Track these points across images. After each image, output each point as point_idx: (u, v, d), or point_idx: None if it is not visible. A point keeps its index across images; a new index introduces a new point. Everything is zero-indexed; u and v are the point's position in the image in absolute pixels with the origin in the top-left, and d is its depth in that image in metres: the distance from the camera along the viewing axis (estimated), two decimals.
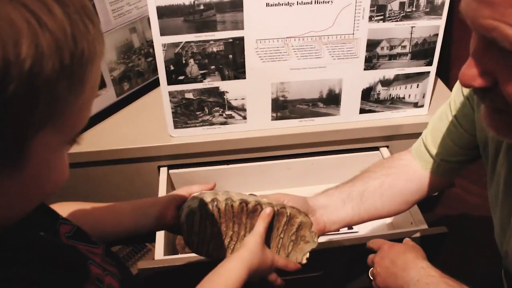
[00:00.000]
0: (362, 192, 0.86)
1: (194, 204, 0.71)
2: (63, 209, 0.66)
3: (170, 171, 1.19)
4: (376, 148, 1.24)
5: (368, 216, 0.88)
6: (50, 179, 0.41)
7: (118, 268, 0.61)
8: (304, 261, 0.80)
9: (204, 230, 0.72)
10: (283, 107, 1.15)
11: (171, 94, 1.11)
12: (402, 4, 1.05)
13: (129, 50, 1.24)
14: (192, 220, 0.70)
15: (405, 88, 1.16)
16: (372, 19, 1.05)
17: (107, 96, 1.22)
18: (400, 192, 0.87)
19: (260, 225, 0.73)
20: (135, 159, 1.16)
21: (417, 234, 0.98)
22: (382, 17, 1.05)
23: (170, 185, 1.19)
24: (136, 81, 1.28)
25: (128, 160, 1.16)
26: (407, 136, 1.21)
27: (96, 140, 1.16)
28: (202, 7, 1.02)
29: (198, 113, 1.14)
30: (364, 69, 1.12)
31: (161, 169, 1.19)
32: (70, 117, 0.38)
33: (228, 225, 0.73)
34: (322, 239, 0.96)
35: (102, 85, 1.19)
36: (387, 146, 1.23)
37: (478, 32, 0.45)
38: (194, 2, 1.01)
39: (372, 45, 1.09)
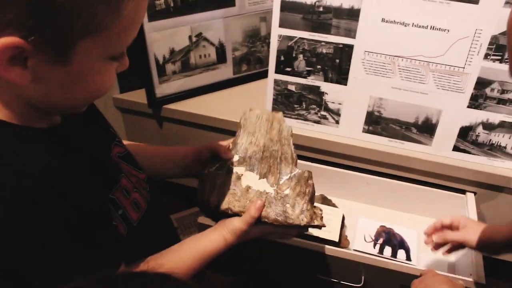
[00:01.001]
0: None
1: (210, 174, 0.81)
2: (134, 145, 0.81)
3: None
4: (463, 191, 1.19)
5: None
6: (92, 83, 0.54)
7: (151, 194, 0.72)
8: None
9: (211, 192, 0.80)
10: (376, 122, 1.17)
11: (276, 82, 1.20)
12: None
13: (255, 36, 1.35)
14: (203, 187, 0.80)
15: (509, 138, 1.10)
16: (488, 57, 1.02)
17: (225, 71, 1.35)
18: None
19: (252, 213, 0.74)
20: (229, 131, 1.27)
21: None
22: (499, 57, 1.02)
23: None
24: (254, 65, 1.40)
25: (222, 130, 1.27)
26: (499, 188, 1.15)
27: (204, 106, 1.30)
28: (321, 9, 1.08)
29: (295, 106, 1.22)
30: (468, 106, 1.08)
31: None
32: (108, 37, 0.49)
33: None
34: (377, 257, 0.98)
35: (223, 60, 1.33)
36: (475, 193, 1.18)
37: None
38: (315, 3, 1.08)
39: (482, 83, 1.05)
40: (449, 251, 1.00)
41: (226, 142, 0.86)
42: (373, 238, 1.17)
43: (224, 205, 0.77)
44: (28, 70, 0.49)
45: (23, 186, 0.51)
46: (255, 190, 0.77)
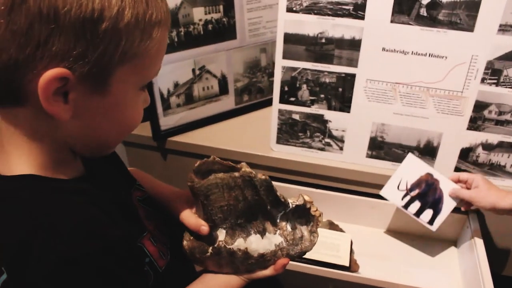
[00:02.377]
0: None
1: None
2: (135, 172, 0.80)
3: None
4: (465, 212, 1.22)
5: None
6: (127, 115, 0.56)
7: (172, 238, 0.73)
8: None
9: None
10: (379, 147, 1.21)
11: (280, 111, 1.23)
12: None
13: (256, 67, 1.39)
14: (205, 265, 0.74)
15: (508, 157, 1.14)
16: (485, 81, 1.07)
17: (227, 102, 1.38)
18: None
19: (279, 271, 0.75)
20: (232, 160, 1.28)
21: None
22: (495, 81, 1.07)
23: None
24: (255, 95, 1.43)
25: (226, 160, 1.29)
26: None
27: (208, 137, 1.33)
28: (324, 40, 1.13)
29: (300, 134, 1.25)
30: (467, 129, 1.13)
31: None
32: (141, 65, 0.53)
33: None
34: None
35: (225, 91, 1.36)
36: (477, 212, 1.21)
37: None
38: (317, 35, 1.12)
39: (480, 106, 1.10)
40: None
41: (192, 217, 0.72)
42: (408, 188, 1.12)
43: (242, 272, 0.75)
44: (69, 104, 0.50)
45: (70, 241, 0.50)
46: (268, 252, 0.73)
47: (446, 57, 1.07)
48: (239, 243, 0.71)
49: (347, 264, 1.14)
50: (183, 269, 0.78)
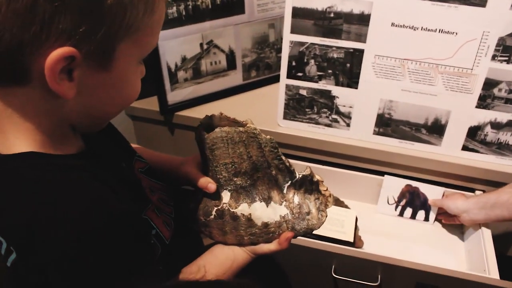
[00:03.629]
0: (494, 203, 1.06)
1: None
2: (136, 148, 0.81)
3: None
4: (472, 190, 1.22)
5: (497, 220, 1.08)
6: (128, 88, 0.56)
7: (175, 208, 0.74)
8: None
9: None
10: (386, 124, 1.20)
11: (287, 87, 1.23)
12: None
13: (264, 43, 1.38)
14: (209, 232, 0.75)
15: None
16: (496, 58, 1.06)
17: (235, 78, 1.38)
18: None
19: (283, 246, 0.74)
20: None
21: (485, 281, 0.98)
22: (507, 58, 1.05)
23: None
24: (263, 71, 1.42)
25: None
26: None
27: (215, 112, 1.32)
28: (332, 15, 1.11)
29: (307, 110, 1.24)
30: (476, 107, 1.12)
31: None
32: (144, 35, 0.52)
33: None
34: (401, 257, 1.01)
35: (232, 67, 1.36)
36: (484, 191, 1.21)
37: None
38: (326, 9, 1.11)
39: (489, 84, 1.09)
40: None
41: (199, 175, 0.73)
42: (396, 199, 1.26)
43: (246, 243, 0.74)
44: (74, 82, 0.50)
45: (77, 217, 0.50)
46: (273, 222, 0.72)
47: (456, 33, 1.05)
48: (243, 208, 0.71)
49: (351, 240, 1.15)
50: (189, 241, 0.79)
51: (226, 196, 0.71)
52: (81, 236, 0.50)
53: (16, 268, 0.53)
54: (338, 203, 1.27)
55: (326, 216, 0.75)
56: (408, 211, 1.26)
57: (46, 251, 0.50)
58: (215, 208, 0.71)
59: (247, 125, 0.69)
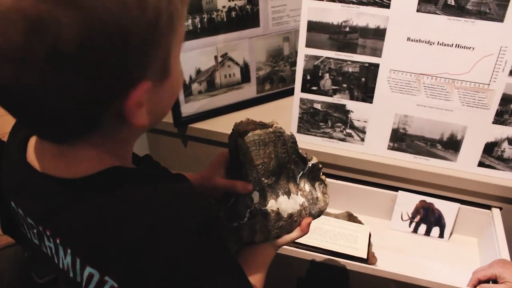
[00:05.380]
0: None
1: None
2: None
3: None
4: (488, 207, 1.20)
5: None
6: (178, 85, 0.55)
7: None
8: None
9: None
10: (401, 139, 1.19)
11: (302, 100, 1.22)
12: None
13: (278, 56, 1.38)
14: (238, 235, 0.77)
15: None
16: None
17: (249, 91, 1.38)
18: None
19: (305, 232, 0.77)
20: None
21: None
22: None
23: None
24: (277, 84, 1.42)
25: None
26: None
27: (228, 125, 1.30)
28: (348, 29, 1.11)
29: (321, 124, 1.24)
30: (493, 123, 1.10)
31: None
32: (181, 27, 0.50)
33: None
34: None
35: (246, 80, 1.36)
36: (501, 208, 1.19)
37: None
38: (341, 23, 1.11)
39: (507, 99, 1.07)
40: None
41: (236, 182, 0.75)
42: (410, 216, 1.24)
43: (273, 237, 0.77)
44: (144, 106, 0.48)
45: (190, 217, 0.51)
46: (296, 212, 0.77)
47: (473, 48, 1.05)
48: (271, 204, 0.74)
49: (364, 256, 1.13)
50: None
51: (255, 196, 0.74)
52: (202, 233, 0.50)
53: None
54: (352, 218, 1.26)
55: (329, 197, 0.81)
56: (422, 228, 1.24)
57: (174, 255, 0.48)
58: (248, 210, 0.74)
59: (274, 125, 0.74)
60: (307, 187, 0.79)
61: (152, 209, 0.50)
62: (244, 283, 0.59)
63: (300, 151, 0.77)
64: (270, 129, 0.73)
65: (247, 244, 0.78)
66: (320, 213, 0.80)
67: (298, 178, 0.79)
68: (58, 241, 0.54)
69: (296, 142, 0.76)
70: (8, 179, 0.60)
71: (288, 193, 0.77)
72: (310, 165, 0.78)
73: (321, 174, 0.81)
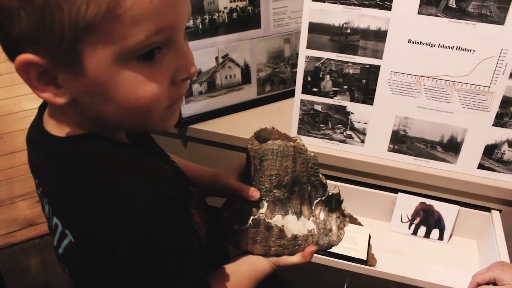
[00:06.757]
0: None
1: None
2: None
3: None
4: (488, 209, 1.20)
5: None
6: (121, 92, 0.50)
7: (204, 212, 0.74)
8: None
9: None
10: (401, 141, 1.19)
11: (302, 102, 1.22)
12: None
13: (279, 57, 1.38)
14: (239, 240, 0.77)
15: None
16: None
17: (249, 92, 1.38)
18: None
19: (307, 259, 0.76)
20: None
21: None
22: None
23: None
24: (277, 86, 1.42)
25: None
26: None
27: (229, 126, 1.33)
28: (349, 30, 1.11)
29: (321, 125, 1.24)
30: (493, 125, 1.11)
31: None
32: (112, 32, 0.46)
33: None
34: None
35: (247, 81, 1.36)
36: (500, 211, 1.19)
37: None
38: (342, 25, 1.11)
39: (507, 102, 1.07)
40: None
41: (243, 185, 0.75)
42: (410, 218, 1.24)
43: (272, 253, 0.76)
44: (62, 89, 0.50)
45: (146, 193, 0.51)
46: (301, 235, 0.76)
47: (474, 51, 1.05)
48: (277, 219, 0.74)
49: (364, 258, 1.13)
50: (219, 248, 0.79)
51: (263, 206, 0.74)
52: (149, 212, 0.50)
53: (69, 254, 0.54)
54: (351, 220, 1.25)
55: (344, 234, 0.79)
56: (422, 230, 1.24)
57: (115, 228, 0.49)
58: (252, 217, 0.74)
59: (297, 141, 0.73)
60: (322, 215, 0.77)
61: (105, 181, 0.51)
62: (196, 280, 0.58)
63: (321, 175, 0.75)
64: (292, 143, 0.72)
65: (246, 252, 0.77)
66: (329, 246, 0.78)
67: (314, 204, 0.77)
68: (40, 190, 0.61)
69: (317, 164, 0.74)
70: (29, 147, 0.64)
71: (298, 214, 0.75)
72: (329, 193, 0.76)
73: (344, 209, 0.80)
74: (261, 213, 0.73)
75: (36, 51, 0.47)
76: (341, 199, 0.78)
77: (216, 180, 0.78)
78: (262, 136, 0.75)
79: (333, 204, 0.78)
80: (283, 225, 0.73)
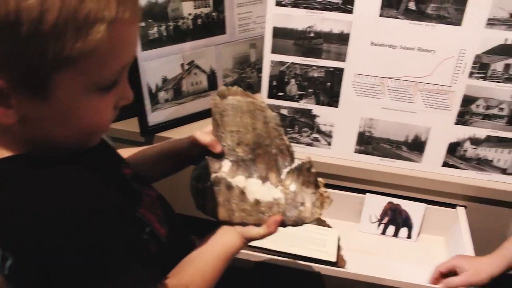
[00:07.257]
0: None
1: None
2: (127, 152, 0.82)
3: None
4: (453, 206, 1.23)
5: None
6: (81, 118, 0.53)
7: (163, 211, 0.73)
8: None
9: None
10: (367, 142, 1.21)
11: (269, 106, 1.22)
12: (507, 66, 1.06)
13: (245, 63, 1.39)
14: (203, 200, 0.77)
15: (495, 152, 1.14)
16: (472, 75, 1.08)
17: None
18: None
19: (272, 230, 0.74)
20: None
21: None
22: (483, 75, 1.07)
23: None
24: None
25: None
26: (488, 201, 1.19)
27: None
28: (312, 34, 1.12)
29: (288, 129, 1.24)
30: (455, 123, 1.13)
31: None
32: (86, 68, 0.48)
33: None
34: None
35: (214, 87, 1.36)
36: (465, 207, 1.22)
37: None
38: (306, 29, 1.12)
39: (467, 100, 1.10)
40: None
41: (208, 135, 0.75)
42: (378, 218, 1.26)
43: (236, 220, 0.75)
44: (12, 109, 0.49)
45: (69, 211, 0.51)
46: (265, 202, 0.74)
47: (434, 51, 1.07)
48: (239, 180, 0.74)
49: (334, 260, 1.13)
50: (183, 242, 0.78)
51: (226, 165, 0.74)
52: (74, 229, 0.50)
53: (14, 273, 0.54)
54: (320, 222, 1.26)
55: (320, 214, 0.75)
56: (391, 229, 1.26)
57: (42, 248, 0.50)
58: (213, 175, 0.74)
59: (257, 98, 0.72)
60: (293, 186, 0.74)
61: (32, 201, 0.51)
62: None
63: (285, 139, 0.72)
64: (251, 99, 0.71)
65: (216, 223, 0.76)
66: (299, 221, 0.75)
67: (284, 173, 0.74)
68: None
69: (280, 126, 0.72)
70: None
71: (264, 179, 0.74)
72: (300, 162, 0.73)
73: (324, 190, 0.75)
74: (223, 171, 0.74)
75: None
76: (313, 170, 0.73)
77: (188, 139, 0.79)
78: (226, 94, 0.74)
79: (306, 176, 0.73)
80: (244, 187, 0.73)
